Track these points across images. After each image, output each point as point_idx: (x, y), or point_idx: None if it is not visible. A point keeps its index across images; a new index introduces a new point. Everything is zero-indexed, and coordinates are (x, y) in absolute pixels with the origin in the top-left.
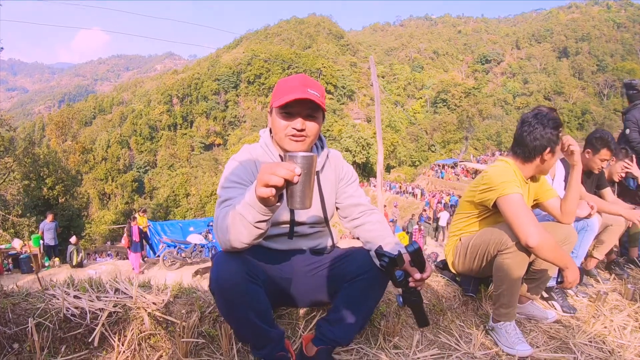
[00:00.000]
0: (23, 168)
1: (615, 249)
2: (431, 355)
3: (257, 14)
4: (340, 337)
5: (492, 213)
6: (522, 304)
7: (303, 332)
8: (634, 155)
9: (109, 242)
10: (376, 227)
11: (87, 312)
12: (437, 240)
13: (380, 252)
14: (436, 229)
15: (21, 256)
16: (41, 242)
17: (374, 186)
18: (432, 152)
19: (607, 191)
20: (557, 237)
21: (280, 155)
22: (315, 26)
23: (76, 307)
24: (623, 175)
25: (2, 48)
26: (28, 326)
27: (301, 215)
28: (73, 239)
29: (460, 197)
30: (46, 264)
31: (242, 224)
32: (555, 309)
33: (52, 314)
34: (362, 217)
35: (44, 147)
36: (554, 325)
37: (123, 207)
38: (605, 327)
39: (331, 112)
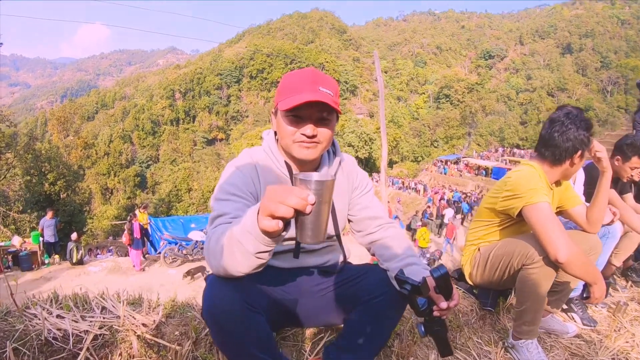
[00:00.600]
0: (24, 164)
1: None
2: None
3: (259, 8)
4: None
5: (515, 222)
6: (543, 318)
7: (309, 356)
8: None
9: (111, 237)
10: (395, 243)
11: (71, 334)
12: (440, 237)
13: (401, 278)
14: (440, 226)
15: (21, 254)
16: (41, 239)
17: (377, 182)
18: (435, 147)
19: (629, 197)
20: (583, 248)
21: (286, 162)
22: (318, 21)
23: (59, 329)
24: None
25: (1, 43)
26: (6, 351)
27: None
28: (73, 236)
29: (463, 192)
30: (46, 262)
31: (240, 253)
32: (575, 321)
33: (32, 337)
34: (379, 231)
35: (45, 143)
36: (575, 340)
37: (125, 202)
38: (627, 342)
39: None
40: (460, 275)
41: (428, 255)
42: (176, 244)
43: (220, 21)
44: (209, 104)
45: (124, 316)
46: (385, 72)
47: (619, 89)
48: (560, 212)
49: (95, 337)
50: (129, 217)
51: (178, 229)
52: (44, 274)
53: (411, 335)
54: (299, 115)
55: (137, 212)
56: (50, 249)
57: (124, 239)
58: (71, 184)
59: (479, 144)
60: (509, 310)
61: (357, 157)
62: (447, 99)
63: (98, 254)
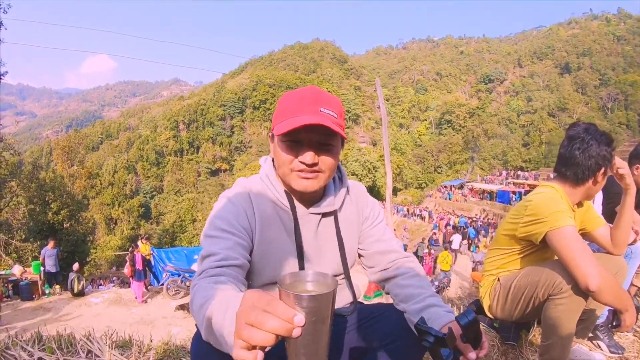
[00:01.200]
0: (28, 192)
1: None
2: None
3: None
4: None
5: (538, 249)
6: None
7: None
8: None
9: (114, 268)
10: (413, 282)
11: None
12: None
13: (423, 329)
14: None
15: (21, 283)
16: (42, 268)
17: (383, 209)
18: (439, 173)
19: None
20: (609, 271)
21: (286, 192)
22: (319, 51)
23: None
24: None
25: (6, 72)
26: None
27: (313, 267)
28: (75, 266)
29: (468, 217)
30: (47, 292)
31: (216, 341)
32: (601, 349)
33: None
34: (394, 267)
35: (50, 172)
36: None
37: (129, 232)
38: None
39: None
40: (478, 308)
41: (437, 283)
42: (179, 275)
43: (224, 52)
44: (213, 134)
45: None
46: (387, 100)
47: (619, 105)
48: (582, 235)
49: None
50: (130, 248)
51: (181, 260)
52: (44, 303)
53: None
54: (297, 140)
55: (139, 243)
56: (51, 279)
57: (126, 270)
58: (75, 214)
59: (482, 168)
60: (531, 344)
61: None
62: (449, 125)
63: (100, 284)
